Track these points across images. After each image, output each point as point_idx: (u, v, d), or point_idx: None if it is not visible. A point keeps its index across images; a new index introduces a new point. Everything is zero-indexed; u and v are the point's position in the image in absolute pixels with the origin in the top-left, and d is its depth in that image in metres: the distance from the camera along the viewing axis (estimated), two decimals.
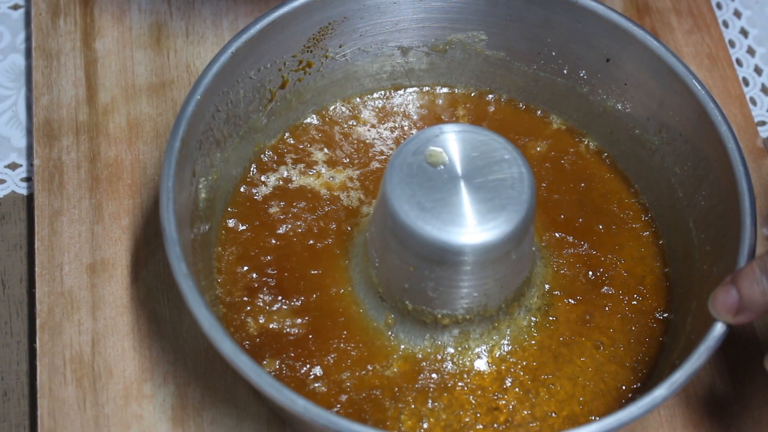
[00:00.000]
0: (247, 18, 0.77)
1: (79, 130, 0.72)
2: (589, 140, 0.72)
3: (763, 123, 0.78)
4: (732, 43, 0.81)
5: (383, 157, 0.71)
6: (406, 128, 0.72)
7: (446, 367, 0.63)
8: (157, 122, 0.73)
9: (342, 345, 0.64)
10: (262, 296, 0.65)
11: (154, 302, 0.67)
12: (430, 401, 0.62)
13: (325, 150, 0.71)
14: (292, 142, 0.71)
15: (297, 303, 0.65)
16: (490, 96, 0.73)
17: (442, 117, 0.72)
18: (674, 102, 0.66)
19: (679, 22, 0.79)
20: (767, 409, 0.66)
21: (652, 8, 0.80)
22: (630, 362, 0.64)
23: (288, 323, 0.64)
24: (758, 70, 0.81)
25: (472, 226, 0.58)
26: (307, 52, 0.69)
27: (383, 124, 0.72)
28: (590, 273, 0.67)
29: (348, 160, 0.71)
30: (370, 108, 0.73)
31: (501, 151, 0.60)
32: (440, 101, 0.73)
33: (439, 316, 0.62)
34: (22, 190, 0.73)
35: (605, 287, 0.67)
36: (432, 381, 0.63)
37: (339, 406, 0.62)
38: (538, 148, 0.71)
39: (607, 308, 0.66)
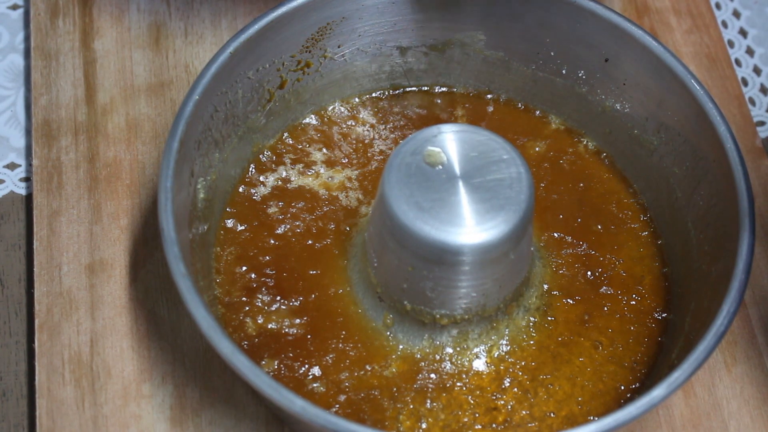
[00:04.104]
0: (245, 18, 0.77)
1: (78, 130, 0.72)
2: (587, 140, 0.72)
3: (761, 123, 0.78)
4: (731, 43, 0.81)
5: (382, 157, 0.71)
6: (404, 128, 0.72)
7: (445, 368, 0.63)
8: (155, 122, 0.73)
9: (340, 345, 0.64)
10: (260, 296, 0.65)
11: (153, 302, 0.67)
12: (428, 401, 0.62)
13: (324, 150, 0.71)
14: (290, 142, 0.71)
15: (296, 303, 0.65)
16: (489, 96, 0.73)
17: (441, 117, 0.72)
18: (673, 102, 0.66)
19: (678, 22, 0.79)
20: (766, 408, 0.66)
21: (651, 8, 0.80)
22: (629, 362, 0.64)
23: (286, 323, 0.64)
24: (757, 70, 0.80)
25: (470, 226, 0.58)
26: (306, 52, 0.69)
27: (382, 124, 0.72)
28: (589, 273, 0.67)
29: (347, 160, 0.71)
30: (368, 108, 0.73)
31: (499, 151, 0.60)
32: (439, 101, 0.73)
33: (438, 316, 0.62)
34: (20, 190, 0.73)
35: (604, 287, 0.67)
36: (431, 381, 0.63)
37: (337, 406, 0.62)
38: (537, 148, 0.71)
39: (605, 308, 0.66)
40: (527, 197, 0.59)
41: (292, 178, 0.70)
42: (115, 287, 0.68)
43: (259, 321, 0.64)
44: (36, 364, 0.65)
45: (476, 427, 0.62)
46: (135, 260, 0.68)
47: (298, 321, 0.64)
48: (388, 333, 0.64)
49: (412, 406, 0.62)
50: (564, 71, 0.70)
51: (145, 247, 0.69)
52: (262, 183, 0.69)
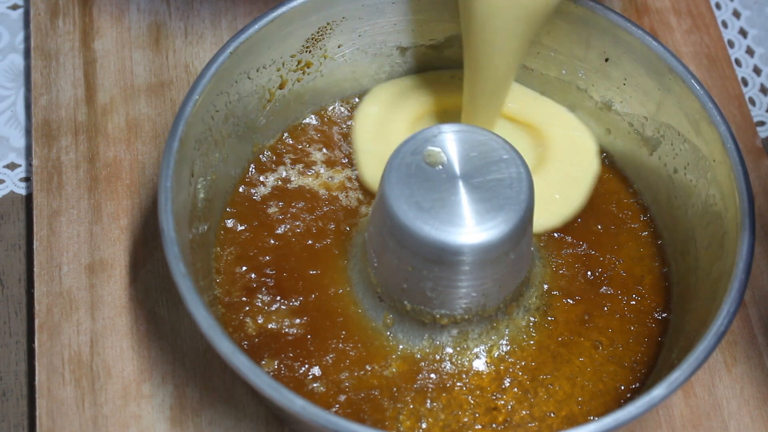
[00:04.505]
0: (245, 18, 0.77)
1: (78, 130, 0.72)
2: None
3: (761, 123, 0.78)
4: (731, 43, 0.81)
5: None
6: None
7: (445, 367, 0.63)
8: (155, 122, 0.73)
9: (340, 345, 0.64)
10: (260, 296, 0.65)
11: (153, 302, 0.67)
12: (428, 401, 0.62)
13: (324, 150, 0.71)
14: (290, 142, 0.71)
15: (296, 303, 0.65)
16: None
17: None
18: (673, 102, 0.66)
19: (678, 22, 0.79)
20: (766, 408, 0.66)
21: (651, 8, 0.80)
22: (629, 362, 0.64)
23: (287, 323, 0.64)
24: (757, 70, 0.81)
25: (470, 226, 0.58)
26: (306, 52, 0.69)
27: None
28: (589, 273, 0.67)
29: (347, 160, 0.71)
30: None
31: (499, 151, 0.60)
32: None
33: (438, 316, 0.62)
34: (20, 190, 0.73)
35: (604, 287, 0.67)
36: (431, 381, 0.63)
37: (337, 406, 0.62)
38: None
39: (605, 308, 0.66)
40: (527, 197, 0.59)
41: (292, 178, 0.69)
42: (115, 287, 0.68)
43: (259, 321, 0.64)
44: (36, 364, 0.65)
45: (476, 427, 0.62)
46: (135, 260, 0.68)
47: (298, 321, 0.64)
48: (388, 333, 0.64)
49: (412, 406, 0.62)
50: (564, 71, 0.70)
51: (145, 247, 0.69)
52: (262, 183, 0.69)
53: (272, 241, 0.67)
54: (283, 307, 0.65)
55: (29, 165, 0.73)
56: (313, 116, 0.72)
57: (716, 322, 0.57)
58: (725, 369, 0.67)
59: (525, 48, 0.63)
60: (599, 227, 0.69)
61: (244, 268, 0.66)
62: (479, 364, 0.64)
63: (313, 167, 0.70)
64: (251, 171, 0.69)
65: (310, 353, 0.63)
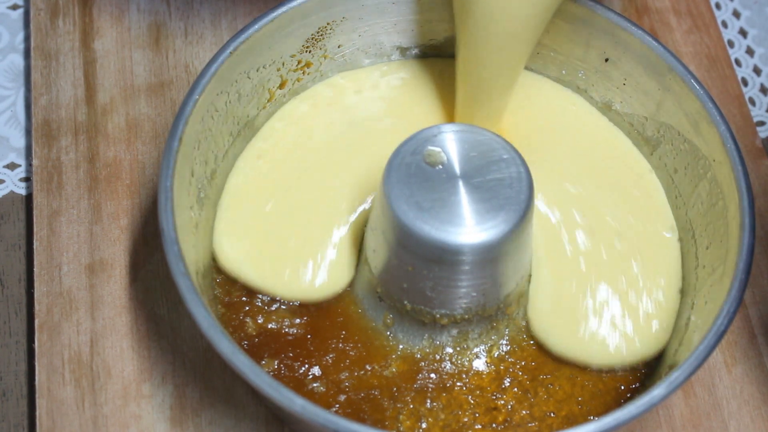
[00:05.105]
0: (245, 18, 0.77)
1: (78, 130, 0.72)
2: None
3: (761, 123, 0.78)
4: (731, 43, 0.81)
5: None
6: None
7: (445, 367, 0.63)
8: (155, 122, 0.73)
9: (340, 345, 0.64)
10: (260, 296, 0.65)
11: (153, 302, 0.67)
12: (428, 401, 0.62)
13: None
14: None
15: (295, 303, 0.65)
16: None
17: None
18: (673, 102, 0.66)
19: (678, 22, 0.79)
20: (766, 408, 0.66)
21: (651, 8, 0.80)
22: None
23: (286, 323, 0.64)
24: (757, 70, 0.81)
25: (470, 226, 0.58)
26: (306, 52, 0.69)
27: None
28: None
29: None
30: None
31: (499, 151, 0.60)
32: None
33: (438, 315, 0.62)
34: (20, 190, 0.73)
35: None
36: (430, 381, 0.63)
37: (337, 405, 0.62)
38: None
39: None
40: (527, 197, 0.58)
41: None
42: (115, 287, 0.68)
43: (259, 321, 0.64)
44: (36, 364, 0.65)
45: (476, 427, 0.62)
46: (135, 260, 0.68)
47: (298, 321, 0.64)
48: (388, 333, 0.64)
49: (412, 406, 0.62)
50: (564, 71, 0.70)
51: (145, 247, 0.69)
52: None
53: None
54: (283, 307, 0.65)
55: (29, 165, 0.73)
56: None
57: (716, 322, 0.57)
58: (725, 369, 0.67)
59: (531, 45, 0.63)
60: None
61: None
62: (479, 364, 0.64)
63: None
64: None
65: (310, 353, 0.63)
